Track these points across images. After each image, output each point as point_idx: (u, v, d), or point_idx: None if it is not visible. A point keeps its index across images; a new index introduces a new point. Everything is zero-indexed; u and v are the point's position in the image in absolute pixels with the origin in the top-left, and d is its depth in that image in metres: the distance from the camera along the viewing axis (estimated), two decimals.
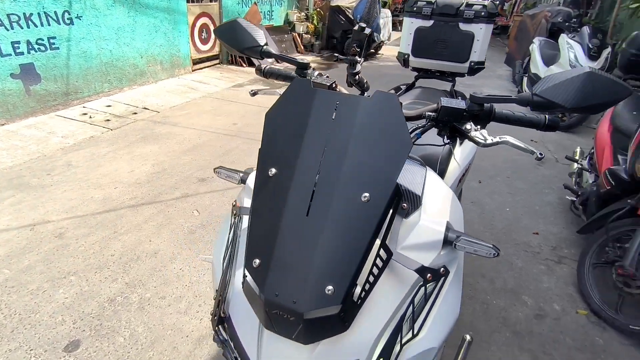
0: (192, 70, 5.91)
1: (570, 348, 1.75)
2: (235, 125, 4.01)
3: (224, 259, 0.81)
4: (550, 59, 4.96)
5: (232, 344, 0.72)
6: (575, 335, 1.82)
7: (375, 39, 7.84)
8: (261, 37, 1.04)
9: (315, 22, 8.11)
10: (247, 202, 0.83)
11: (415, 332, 0.69)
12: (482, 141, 0.85)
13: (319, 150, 0.63)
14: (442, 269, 0.73)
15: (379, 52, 8.72)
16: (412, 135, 0.89)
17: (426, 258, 0.73)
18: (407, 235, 0.75)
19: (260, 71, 1.12)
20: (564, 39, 4.75)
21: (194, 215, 2.47)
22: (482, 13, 1.82)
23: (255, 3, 6.81)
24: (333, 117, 0.64)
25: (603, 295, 1.95)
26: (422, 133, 0.93)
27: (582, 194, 2.47)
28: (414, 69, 2.17)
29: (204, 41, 6.13)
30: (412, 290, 0.72)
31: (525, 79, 5.50)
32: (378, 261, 0.64)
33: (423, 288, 0.71)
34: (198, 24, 5.90)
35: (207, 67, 6.31)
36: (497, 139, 0.85)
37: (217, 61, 6.55)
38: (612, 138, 2.35)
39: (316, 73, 1.05)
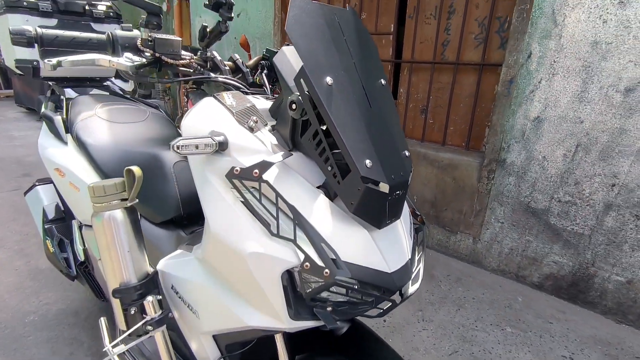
0: None
1: None
2: None
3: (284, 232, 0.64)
4: None
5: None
6: None
7: None
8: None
9: None
10: (254, 158, 0.67)
11: None
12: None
13: (349, 55, 0.69)
14: None
15: None
16: None
17: None
18: None
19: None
20: None
21: None
22: (111, 13, 1.79)
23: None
24: (340, 27, 0.71)
25: None
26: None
27: None
28: (48, 79, 1.63)
29: None
30: None
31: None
32: None
33: None
34: None
35: None
36: None
37: None
38: None
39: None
